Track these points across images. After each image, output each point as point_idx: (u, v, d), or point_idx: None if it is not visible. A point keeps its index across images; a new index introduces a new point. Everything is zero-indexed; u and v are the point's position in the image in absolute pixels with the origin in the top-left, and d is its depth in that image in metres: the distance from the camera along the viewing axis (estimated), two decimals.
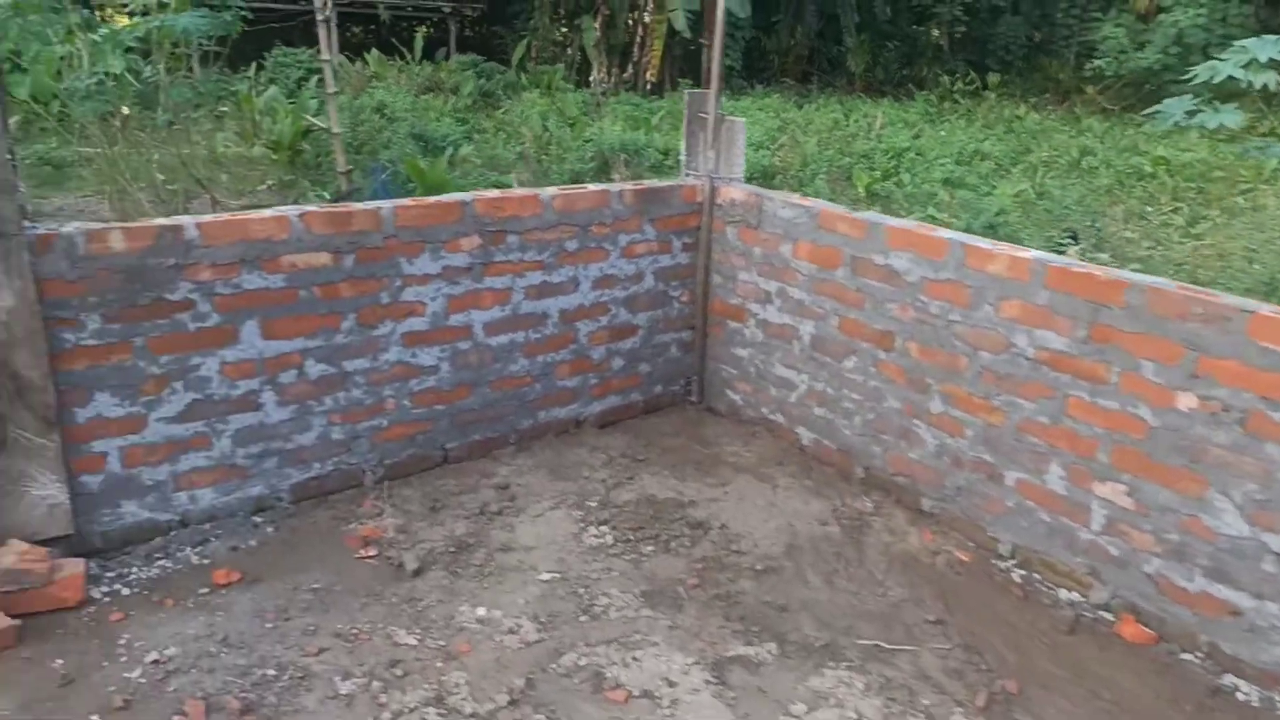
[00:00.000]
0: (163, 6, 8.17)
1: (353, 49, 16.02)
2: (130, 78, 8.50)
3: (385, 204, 3.47)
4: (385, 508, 3.53)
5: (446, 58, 15.74)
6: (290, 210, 3.31)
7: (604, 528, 3.41)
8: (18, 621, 2.79)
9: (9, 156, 2.78)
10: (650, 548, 3.30)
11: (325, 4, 7.37)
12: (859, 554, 3.32)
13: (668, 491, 3.67)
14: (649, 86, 16.43)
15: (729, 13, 16.62)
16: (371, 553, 3.26)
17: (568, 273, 3.94)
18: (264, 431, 3.38)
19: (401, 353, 3.61)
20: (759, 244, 4.01)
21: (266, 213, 3.28)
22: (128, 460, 3.15)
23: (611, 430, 4.18)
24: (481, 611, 2.95)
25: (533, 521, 3.45)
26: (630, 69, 16.51)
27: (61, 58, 8.92)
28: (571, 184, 10.72)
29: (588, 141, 11.95)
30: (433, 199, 3.60)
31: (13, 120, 10.24)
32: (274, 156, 10.71)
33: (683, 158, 4.30)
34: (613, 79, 16.16)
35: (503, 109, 13.95)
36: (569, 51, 16.58)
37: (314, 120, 9.23)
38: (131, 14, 8.91)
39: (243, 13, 8.33)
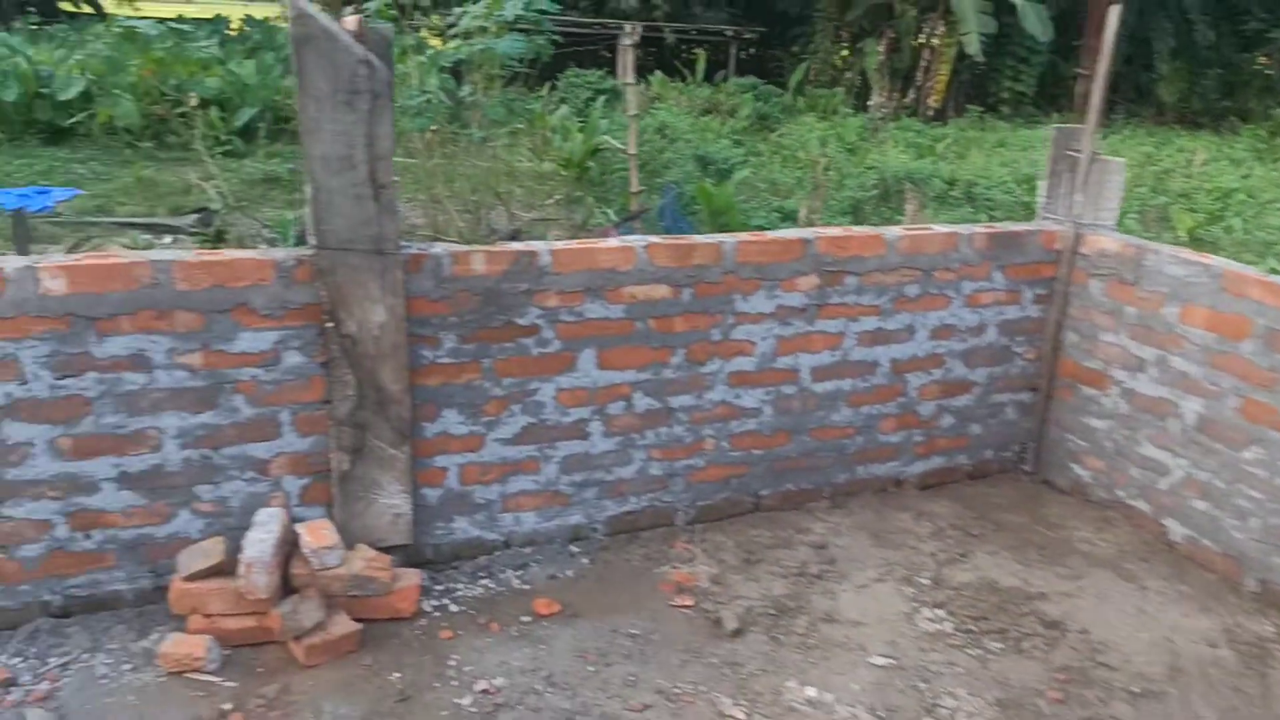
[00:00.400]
0: (482, 31, 8.70)
1: (638, 70, 16.53)
2: (443, 96, 9.12)
3: (727, 238, 3.33)
4: (697, 553, 3.38)
5: (725, 79, 15.84)
6: (635, 240, 3.24)
7: (940, 611, 3.06)
8: (360, 626, 2.86)
9: (395, 179, 2.87)
10: (998, 644, 2.91)
11: (634, 29, 7.49)
12: (1263, 691, 2.75)
13: (1011, 578, 3.25)
14: (931, 112, 15.69)
15: (1026, 34, 15.54)
16: (687, 602, 3.10)
17: (904, 320, 3.62)
18: (588, 461, 3.33)
19: (726, 392, 3.45)
20: (1134, 303, 3.49)
21: (612, 242, 3.23)
22: (464, 477, 3.19)
23: (935, 495, 3.81)
24: (811, 692, 2.70)
25: (857, 592, 3.16)
26: (912, 93, 15.84)
27: None
28: (851, 213, 10.35)
29: (870, 169, 11.52)
30: (773, 234, 3.42)
31: None
32: (563, 172, 11.16)
33: (1041, 199, 3.85)
34: (893, 104, 15.56)
35: (778, 132, 13.81)
36: (848, 75, 16.17)
37: (611, 140, 9.47)
38: (449, 38, 9.58)
39: (554, 37, 8.71)
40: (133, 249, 7.71)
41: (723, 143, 12.17)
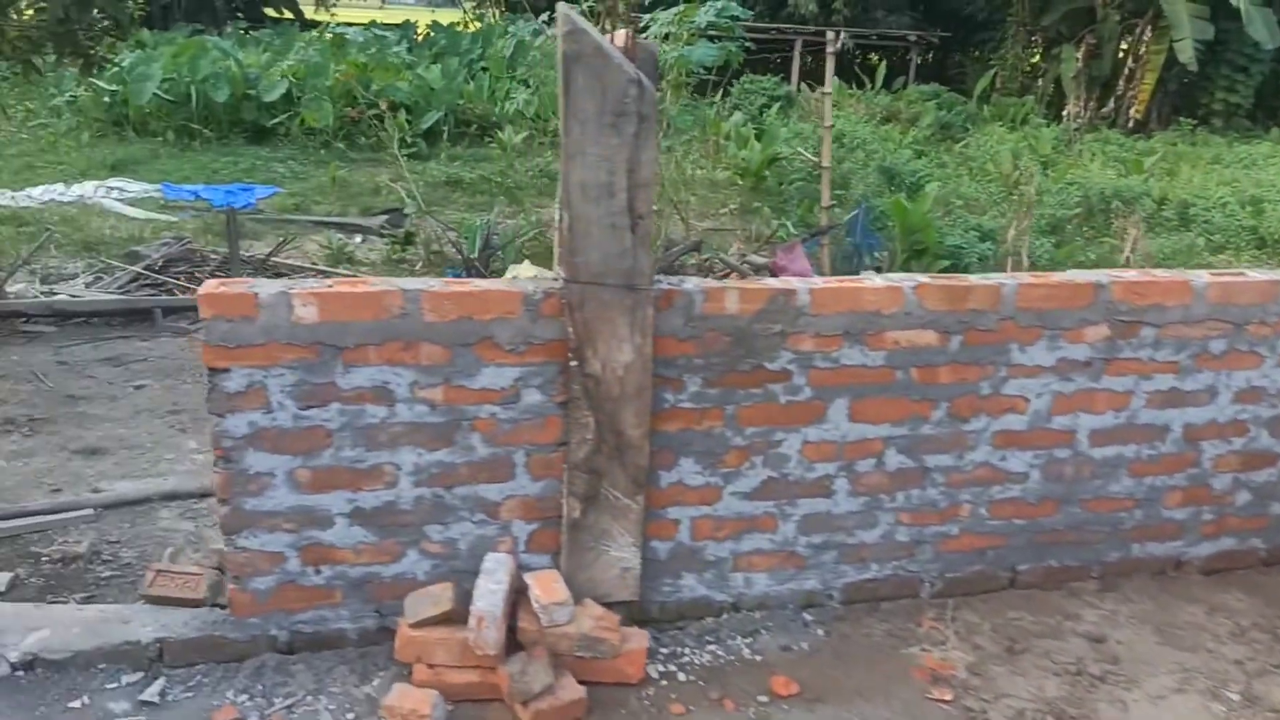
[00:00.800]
0: (672, 38, 8.48)
1: (813, 77, 16.01)
2: None
3: (1007, 281, 2.92)
4: (949, 634, 2.98)
5: (904, 86, 15.14)
6: (903, 280, 2.88)
7: None
8: (584, 690, 2.63)
9: (655, 207, 2.62)
10: None
11: (837, 36, 7.09)
12: None
13: None
14: (1131, 124, 14.51)
15: (1246, 41, 14.14)
16: (946, 696, 2.72)
17: (1205, 379, 3.11)
18: (830, 521, 3.00)
19: (989, 453, 3.04)
20: None
21: (878, 281, 2.88)
22: (697, 532, 2.92)
23: (1223, 583, 3.27)
24: None
25: (1153, 703, 2.70)
26: (1111, 103, 14.68)
27: None
28: (1052, 232, 9.54)
29: (1071, 184, 10.69)
30: (1060, 277, 2.99)
31: (520, 137, 11.36)
32: (739, 181, 10.83)
33: None
34: (1088, 114, 14.47)
35: (963, 142, 13.05)
36: (1039, 83, 15.16)
37: (802, 151, 9.08)
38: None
39: (745, 44, 8.42)
40: (326, 248, 7.91)
41: (904, 153, 11.57)
